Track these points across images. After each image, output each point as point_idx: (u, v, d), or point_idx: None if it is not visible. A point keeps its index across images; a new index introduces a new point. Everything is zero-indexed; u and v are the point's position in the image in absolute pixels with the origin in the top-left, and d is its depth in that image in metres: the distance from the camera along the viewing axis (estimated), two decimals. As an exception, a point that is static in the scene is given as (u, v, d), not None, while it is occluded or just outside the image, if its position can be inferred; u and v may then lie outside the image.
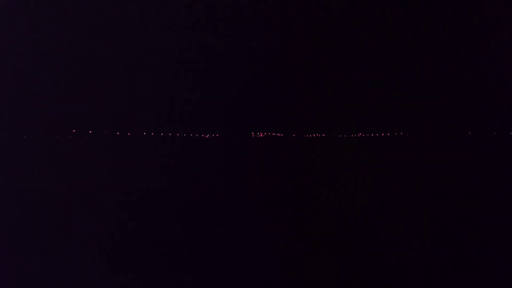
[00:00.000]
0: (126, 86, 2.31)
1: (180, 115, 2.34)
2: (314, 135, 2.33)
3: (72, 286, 2.44)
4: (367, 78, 2.26)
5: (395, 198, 2.41)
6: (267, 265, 2.44)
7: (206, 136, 2.38)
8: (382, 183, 2.41)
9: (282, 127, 2.31)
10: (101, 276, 2.46)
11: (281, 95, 2.23)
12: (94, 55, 2.18)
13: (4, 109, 2.36)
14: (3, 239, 2.49)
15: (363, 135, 2.35)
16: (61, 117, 2.31)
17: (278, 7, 2.01)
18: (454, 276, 2.37)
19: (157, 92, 2.24)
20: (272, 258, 2.43)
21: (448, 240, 2.38)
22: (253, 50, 2.14)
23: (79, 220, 2.49)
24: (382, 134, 2.33)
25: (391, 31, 2.15)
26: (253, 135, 2.39)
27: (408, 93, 2.23)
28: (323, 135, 2.32)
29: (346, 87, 2.23)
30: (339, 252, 2.40)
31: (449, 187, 2.39)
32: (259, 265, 2.43)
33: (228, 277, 2.44)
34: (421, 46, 2.20)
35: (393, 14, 2.07)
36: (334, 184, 2.40)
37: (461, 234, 2.38)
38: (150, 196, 2.47)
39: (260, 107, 2.26)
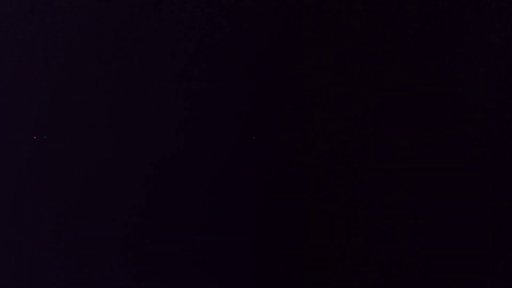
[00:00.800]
0: (125, 86, 2.31)
1: (180, 115, 2.34)
2: (313, 134, 2.33)
3: (74, 286, 2.45)
4: (366, 77, 2.26)
5: (395, 198, 2.41)
6: (266, 266, 2.44)
7: (206, 136, 2.38)
8: (382, 182, 2.41)
9: (280, 126, 2.31)
10: (101, 276, 2.46)
11: (280, 94, 2.23)
12: (92, 54, 2.18)
13: (4, 109, 2.36)
14: (4, 240, 2.49)
15: (363, 134, 2.35)
16: (61, 116, 2.31)
17: (277, 7, 2.01)
18: (454, 276, 2.37)
19: (157, 90, 2.25)
20: (272, 258, 2.43)
21: (448, 240, 2.39)
22: (252, 49, 2.14)
23: (79, 221, 2.50)
24: (382, 134, 2.33)
25: (392, 30, 2.15)
26: (252, 135, 2.39)
27: (408, 92, 2.24)
28: (323, 134, 2.32)
29: (345, 85, 2.23)
30: (339, 253, 2.40)
31: (449, 187, 2.39)
32: (259, 266, 2.43)
33: (228, 277, 2.44)
34: (420, 46, 2.20)
35: (394, 14, 2.07)
36: (333, 184, 2.40)
37: (461, 234, 2.38)
38: (151, 196, 2.48)
39: (259, 106, 2.26)
